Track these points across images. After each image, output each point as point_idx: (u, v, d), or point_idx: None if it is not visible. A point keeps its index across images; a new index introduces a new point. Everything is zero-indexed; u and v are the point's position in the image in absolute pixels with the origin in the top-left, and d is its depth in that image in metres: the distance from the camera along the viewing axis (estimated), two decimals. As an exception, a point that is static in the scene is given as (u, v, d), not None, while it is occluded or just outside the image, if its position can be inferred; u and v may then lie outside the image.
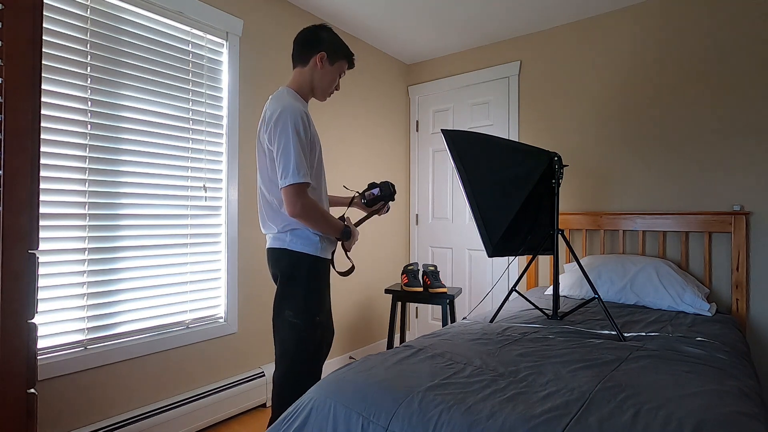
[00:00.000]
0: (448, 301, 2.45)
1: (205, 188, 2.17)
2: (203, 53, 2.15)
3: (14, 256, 0.90)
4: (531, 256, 2.51)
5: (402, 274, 2.63)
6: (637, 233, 2.54)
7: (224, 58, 2.25)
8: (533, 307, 2.12)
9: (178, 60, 2.05)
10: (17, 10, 0.91)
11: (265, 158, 1.51)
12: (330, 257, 1.58)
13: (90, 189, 1.76)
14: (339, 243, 1.62)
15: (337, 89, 1.65)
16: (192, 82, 2.11)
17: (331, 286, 2.77)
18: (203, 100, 2.15)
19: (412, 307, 3.59)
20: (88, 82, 1.75)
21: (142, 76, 1.92)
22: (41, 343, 1.63)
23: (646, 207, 2.52)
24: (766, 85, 2.17)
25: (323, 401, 1.18)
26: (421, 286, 2.53)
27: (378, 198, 1.72)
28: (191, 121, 2.10)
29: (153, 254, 1.96)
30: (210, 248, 2.19)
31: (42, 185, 1.62)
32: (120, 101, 1.85)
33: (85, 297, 1.75)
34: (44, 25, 1.62)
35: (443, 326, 2.17)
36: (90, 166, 1.76)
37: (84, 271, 1.74)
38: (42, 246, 1.63)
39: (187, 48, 2.08)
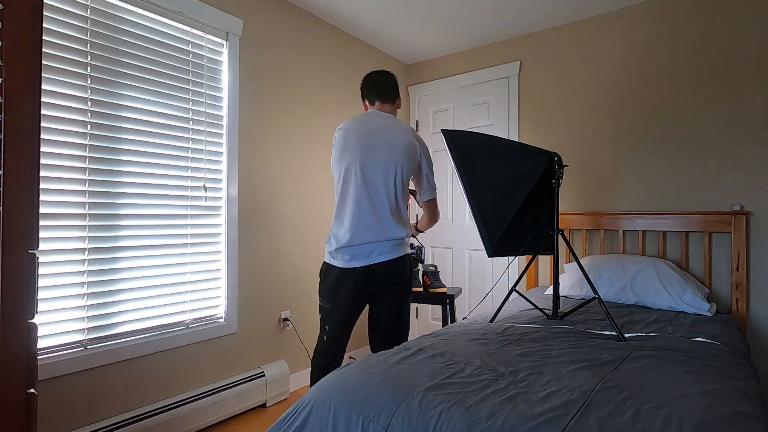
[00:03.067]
0: (448, 301, 2.44)
1: (205, 188, 2.17)
2: (203, 53, 2.15)
3: (14, 256, 0.89)
4: (531, 256, 2.51)
5: (402, 274, 2.63)
6: (637, 233, 2.53)
7: (224, 58, 2.25)
8: (533, 307, 2.11)
9: (178, 60, 2.05)
10: (17, 10, 0.91)
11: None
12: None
13: (90, 189, 1.76)
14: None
15: None
16: (192, 82, 2.11)
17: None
18: (203, 100, 2.15)
19: (412, 307, 3.59)
20: (88, 82, 1.75)
21: (142, 76, 1.92)
22: (41, 343, 1.63)
23: (646, 207, 2.52)
24: (766, 85, 2.17)
25: (323, 401, 1.19)
26: (421, 286, 2.53)
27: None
28: (191, 121, 2.10)
29: (153, 254, 1.96)
30: (210, 248, 2.19)
31: (42, 185, 1.62)
32: (120, 101, 1.85)
33: (85, 297, 1.75)
34: (44, 25, 1.62)
35: (443, 326, 2.17)
36: (90, 166, 1.75)
37: (84, 271, 1.74)
38: (42, 246, 1.63)
39: (187, 48, 2.08)
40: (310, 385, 1.89)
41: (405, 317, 1.87)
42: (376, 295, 1.79)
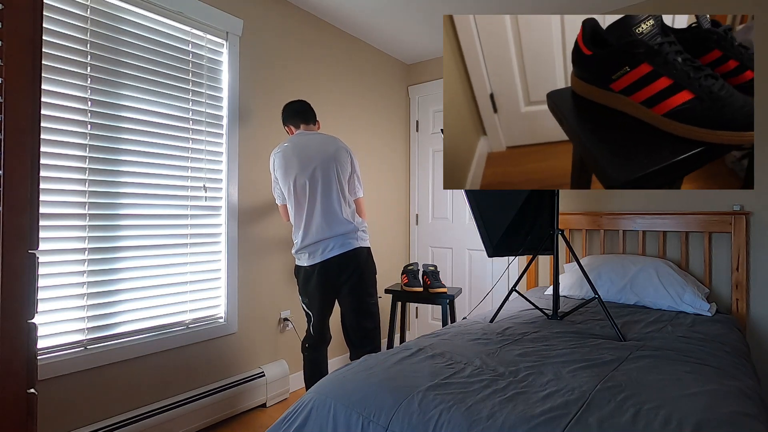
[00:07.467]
0: (448, 301, 2.45)
1: (205, 188, 2.17)
2: (203, 53, 2.15)
3: (14, 256, 0.89)
4: (531, 256, 2.51)
5: (402, 274, 2.63)
6: (637, 233, 2.53)
7: (224, 58, 2.25)
8: (533, 307, 2.12)
9: (178, 60, 2.05)
10: (17, 10, 0.91)
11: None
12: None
13: (90, 189, 1.76)
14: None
15: None
16: (192, 82, 2.11)
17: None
18: (203, 100, 2.15)
19: (412, 307, 3.59)
20: (88, 82, 1.75)
21: (142, 76, 1.92)
22: (41, 343, 1.63)
23: (646, 207, 2.52)
24: (765, 85, 2.17)
25: (323, 401, 1.19)
26: (421, 286, 2.53)
27: None
28: (191, 121, 2.10)
29: (153, 254, 1.96)
30: (210, 248, 2.19)
31: (42, 185, 1.62)
32: (120, 101, 1.85)
33: (85, 297, 1.75)
34: (44, 25, 1.62)
35: (443, 326, 2.17)
36: (90, 166, 1.75)
37: (84, 271, 1.74)
38: (42, 246, 1.63)
39: (187, 48, 2.08)
40: (303, 370, 2.05)
41: (369, 308, 2.00)
42: (339, 286, 1.98)
